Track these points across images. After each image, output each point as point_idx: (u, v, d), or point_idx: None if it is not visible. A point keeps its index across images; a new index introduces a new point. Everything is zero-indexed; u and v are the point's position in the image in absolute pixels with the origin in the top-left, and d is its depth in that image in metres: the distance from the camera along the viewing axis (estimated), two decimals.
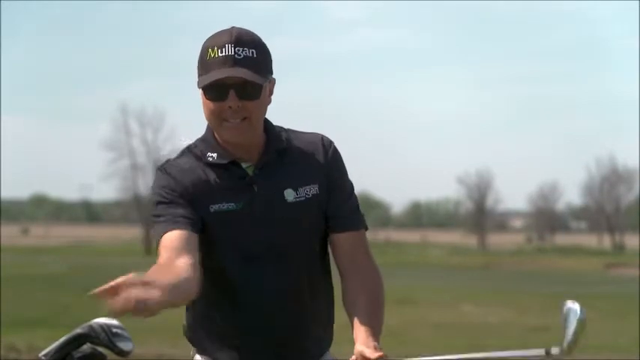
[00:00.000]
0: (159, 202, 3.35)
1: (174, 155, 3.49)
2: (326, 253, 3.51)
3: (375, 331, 3.29)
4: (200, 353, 3.49)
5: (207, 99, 3.30)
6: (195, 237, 3.28)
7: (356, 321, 3.32)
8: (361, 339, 3.25)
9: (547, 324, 22.55)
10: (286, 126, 3.52)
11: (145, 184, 71.40)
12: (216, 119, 3.31)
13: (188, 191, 3.34)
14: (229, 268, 3.38)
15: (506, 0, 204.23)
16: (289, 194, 3.39)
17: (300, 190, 3.40)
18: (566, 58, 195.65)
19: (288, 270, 3.39)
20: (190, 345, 3.53)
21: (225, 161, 3.38)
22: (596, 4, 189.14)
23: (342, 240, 3.44)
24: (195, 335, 3.49)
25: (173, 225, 3.28)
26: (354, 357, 3.22)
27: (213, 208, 3.34)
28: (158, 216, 3.32)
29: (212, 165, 3.39)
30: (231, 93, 3.26)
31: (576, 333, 2.86)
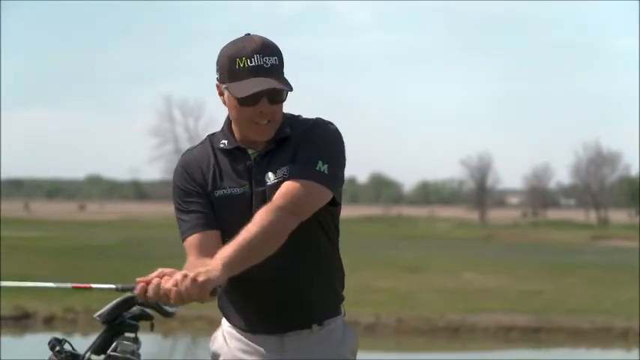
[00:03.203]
0: (178, 203, 3.40)
1: (196, 143, 3.51)
2: (323, 232, 3.40)
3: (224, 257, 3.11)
4: (226, 318, 3.56)
5: (240, 105, 3.27)
6: (213, 233, 3.33)
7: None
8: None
9: (540, 288, 22.51)
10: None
11: None
12: (247, 122, 3.30)
13: (197, 181, 3.38)
14: None
15: (506, 1, 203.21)
16: (270, 177, 3.33)
17: (278, 172, 3.32)
18: (555, 59, 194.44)
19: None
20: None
21: (232, 147, 3.37)
22: (586, 3, 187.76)
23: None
24: (221, 303, 3.55)
25: (195, 229, 3.34)
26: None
27: (218, 193, 3.35)
28: (181, 216, 3.38)
29: (223, 150, 3.38)
30: (264, 100, 3.25)
31: None
